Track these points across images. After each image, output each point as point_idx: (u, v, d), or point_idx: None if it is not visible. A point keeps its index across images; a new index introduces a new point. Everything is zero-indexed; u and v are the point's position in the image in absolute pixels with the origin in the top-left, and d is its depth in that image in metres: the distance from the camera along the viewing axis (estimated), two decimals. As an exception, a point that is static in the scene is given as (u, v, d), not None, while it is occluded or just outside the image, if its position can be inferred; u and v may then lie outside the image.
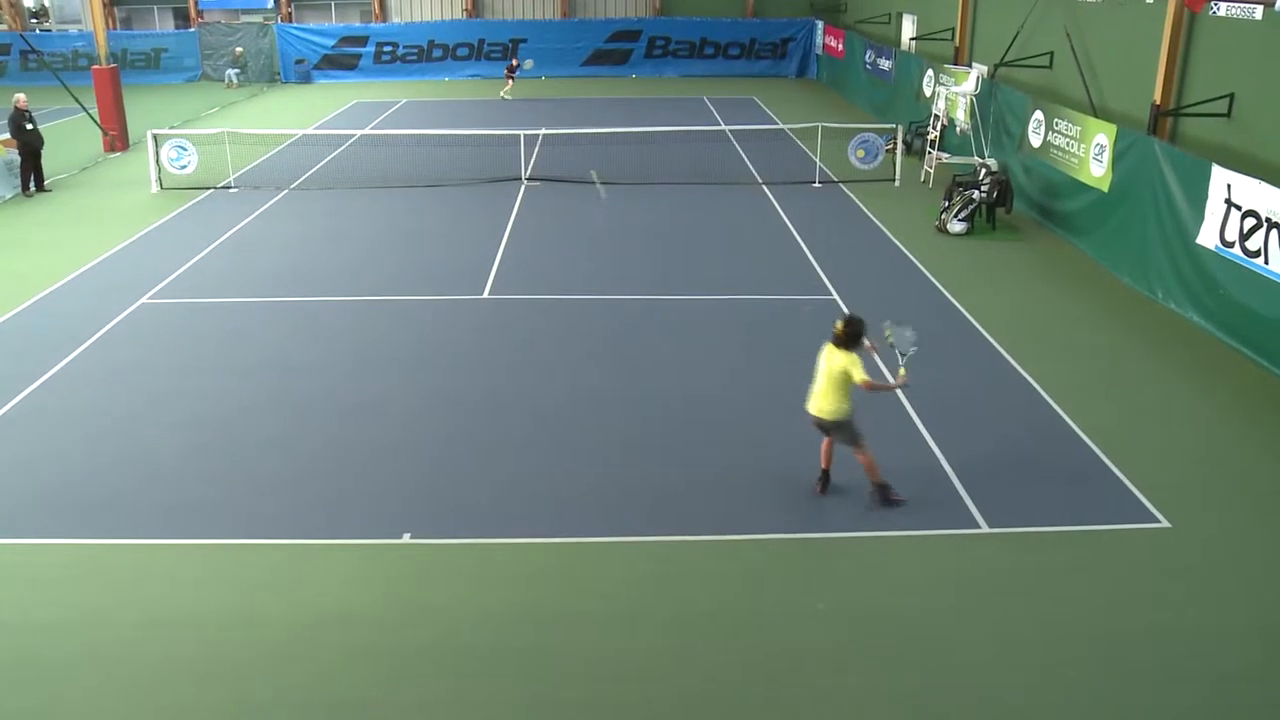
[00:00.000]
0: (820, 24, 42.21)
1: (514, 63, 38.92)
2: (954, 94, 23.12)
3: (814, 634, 8.23)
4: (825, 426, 9.90)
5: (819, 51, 42.30)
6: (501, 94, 38.12)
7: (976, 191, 19.43)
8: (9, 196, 22.60)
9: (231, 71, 41.71)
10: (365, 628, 8.32)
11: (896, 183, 23.24)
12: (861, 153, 23.87)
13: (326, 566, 9.14)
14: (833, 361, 9.64)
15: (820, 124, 24.97)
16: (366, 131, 28.72)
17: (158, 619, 8.42)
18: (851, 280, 16.56)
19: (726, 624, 8.36)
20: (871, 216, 20.61)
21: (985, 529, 9.63)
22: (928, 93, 26.32)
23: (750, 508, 10.02)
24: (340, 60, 43.66)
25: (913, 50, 31.40)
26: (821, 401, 9.79)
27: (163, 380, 12.91)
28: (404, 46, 43.94)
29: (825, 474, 10.28)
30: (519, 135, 24.60)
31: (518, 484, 10.49)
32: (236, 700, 7.54)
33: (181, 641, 8.15)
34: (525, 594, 8.76)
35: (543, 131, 26.26)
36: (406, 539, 9.51)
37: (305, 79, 43.20)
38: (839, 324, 9.64)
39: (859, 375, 9.50)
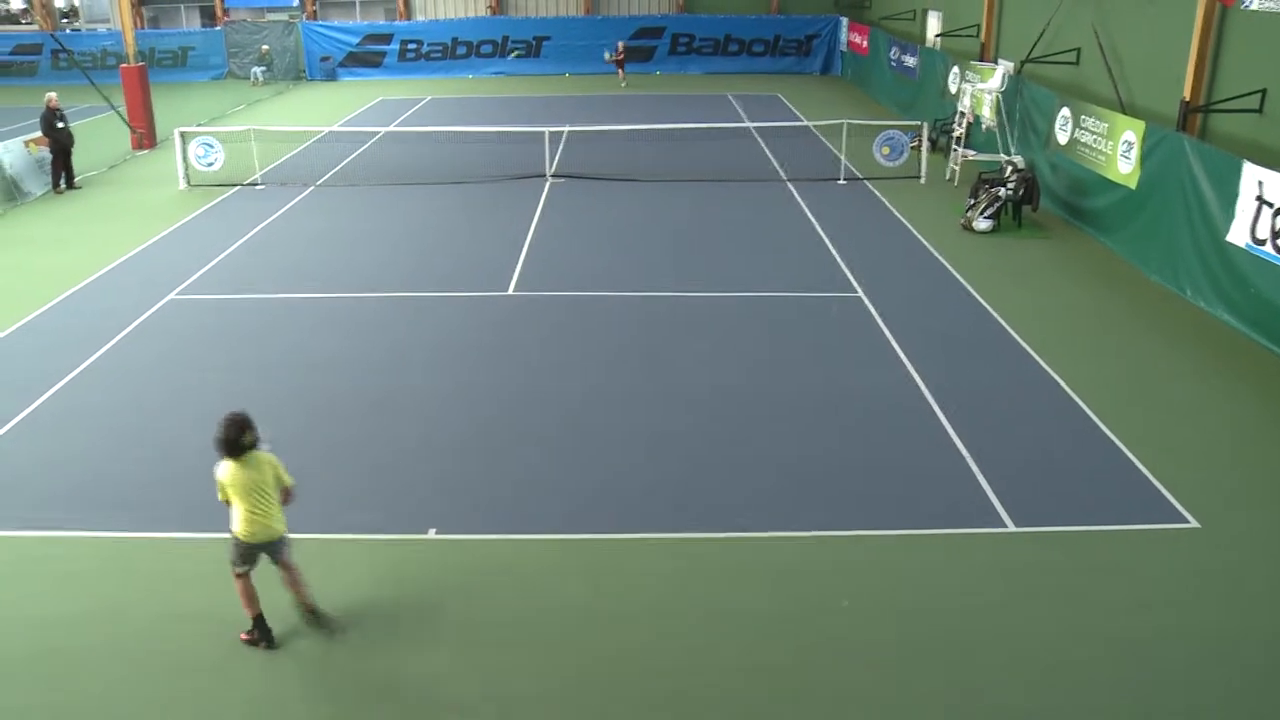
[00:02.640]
0: (845, 21, 42.06)
1: (620, 47, 40.91)
2: (980, 91, 22.99)
3: (839, 631, 8.21)
4: (276, 548, 8.08)
5: (843, 48, 42.16)
6: (622, 85, 40.03)
7: (1002, 189, 19.31)
8: (40, 194, 22.79)
9: (257, 69, 41.91)
10: (389, 623, 8.36)
11: (922, 180, 23.13)
12: (887, 150, 23.77)
13: (351, 561, 9.18)
14: (265, 470, 7.92)
15: (845, 121, 24.89)
16: (391, 129, 28.82)
17: (181, 613, 8.48)
18: (877, 278, 16.49)
19: (751, 621, 8.35)
20: (897, 214, 20.52)
21: (1012, 528, 9.57)
22: (953, 90, 26.19)
23: (774, 504, 10.00)
24: (365, 58, 43.83)
25: (938, 47, 31.25)
26: (276, 516, 8.01)
27: (189, 376, 12.98)
28: (428, 44, 44.07)
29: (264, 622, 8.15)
30: (544, 132, 24.61)
31: (543, 480, 10.50)
32: (258, 694, 7.60)
33: (203, 635, 8.20)
34: (549, 590, 8.77)
35: (567, 129, 26.27)
36: (432, 534, 9.54)
37: (330, 76, 43.38)
38: (231, 433, 7.74)
39: (287, 477, 8.14)
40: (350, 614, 8.44)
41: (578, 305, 15.38)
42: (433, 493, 10.28)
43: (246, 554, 7.95)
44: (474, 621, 8.36)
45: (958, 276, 16.61)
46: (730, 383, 12.69)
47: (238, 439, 7.73)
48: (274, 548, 8.04)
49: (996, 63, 25.52)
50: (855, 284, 16.25)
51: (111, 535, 9.51)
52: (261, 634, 8.09)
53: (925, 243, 18.54)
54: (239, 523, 7.86)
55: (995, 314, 14.92)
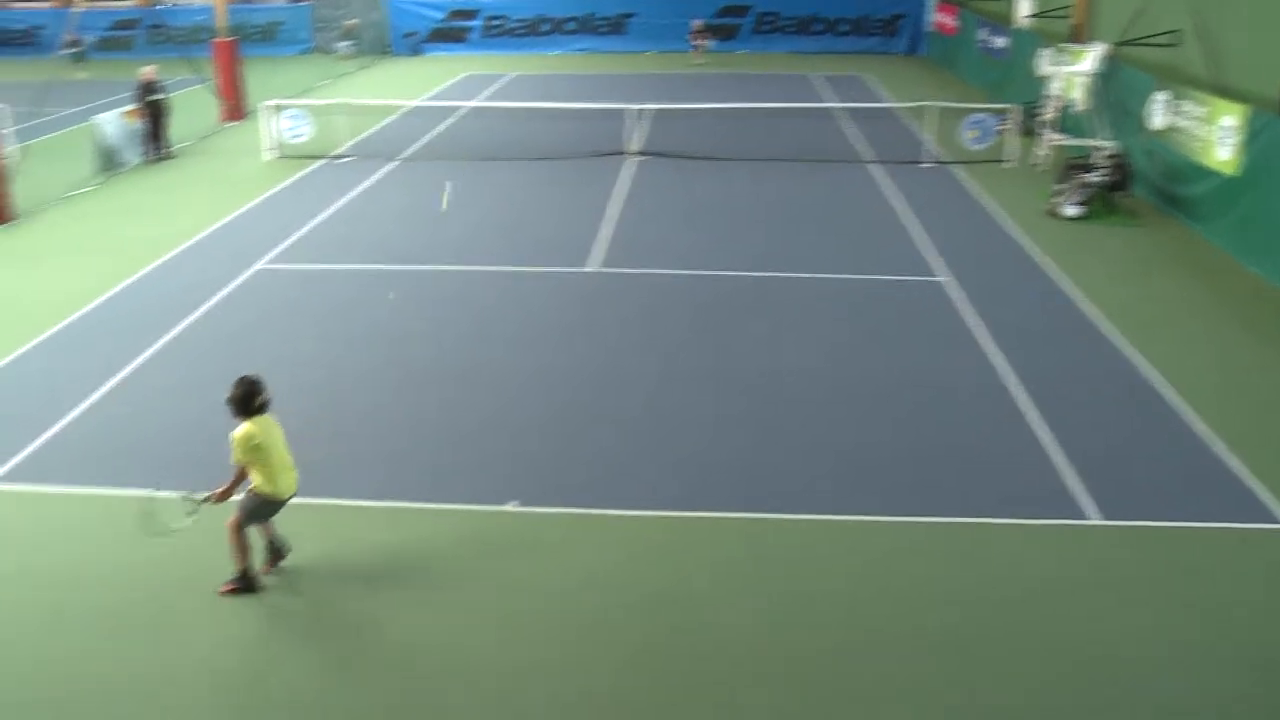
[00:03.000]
0: (932, 0, 41.39)
1: (697, 25, 39.99)
2: (1072, 73, 22.50)
3: (902, 618, 8.14)
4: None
5: (930, 28, 41.50)
6: (695, 62, 39.27)
7: (1093, 175, 18.90)
8: (135, 163, 23.33)
9: (343, 44, 42.36)
10: (467, 592, 8.47)
11: (1009, 164, 22.72)
12: (974, 133, 23.35)
13: (432, 531, 9.31)
14: (278, 427, 8.39)
15: (931, 103, 24.51)
16: (475, 104, 28.98)
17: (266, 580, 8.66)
18: (958, 263, 16.25)
19: (816, 606, 8.31)
20: (981, 198, 20.20)
21: (1095, 521, 9.39)
22: (1044, 72, 25.65)
23: (848, 489, 9.96)
24: (450, 33, 44.10)
25: (1029, 28, 30.63)
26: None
27: (276, 344, 13.23)
28: (513, 20, 44.20)
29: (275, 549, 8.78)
30: (626, 110, 24.59)
31: (621, 456, 10.57)
32: (334, 658, 7.76)
33: (284, 601, 8.41)
34: (624, 566, 8.83)
35: (650, 106, 26.22)
36: (512, 507, 9.63)
37: (415, 51, 43.73)
38: (255, 390, 8.16)
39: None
40: (426, 582, 8.59)
41: (657, 284, 15.39)
42: (514, 465, 10.38)
43: (271, 511, 8.34)
44: (547, 595, 8.44)
45: (1043, 263, 16.31)
46: (808, 365, 12.63)
47: (258, 397, 8.10)
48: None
49: (1090, 44, 24.93)
50: (935, 268, 16.04)
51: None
52: (250, 582, 8.43)
53: (1010, 228, 18.22)
54: (269, 481, 8.16)
55: (1080, 302, 14.63)
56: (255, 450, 8.05)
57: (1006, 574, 8.68)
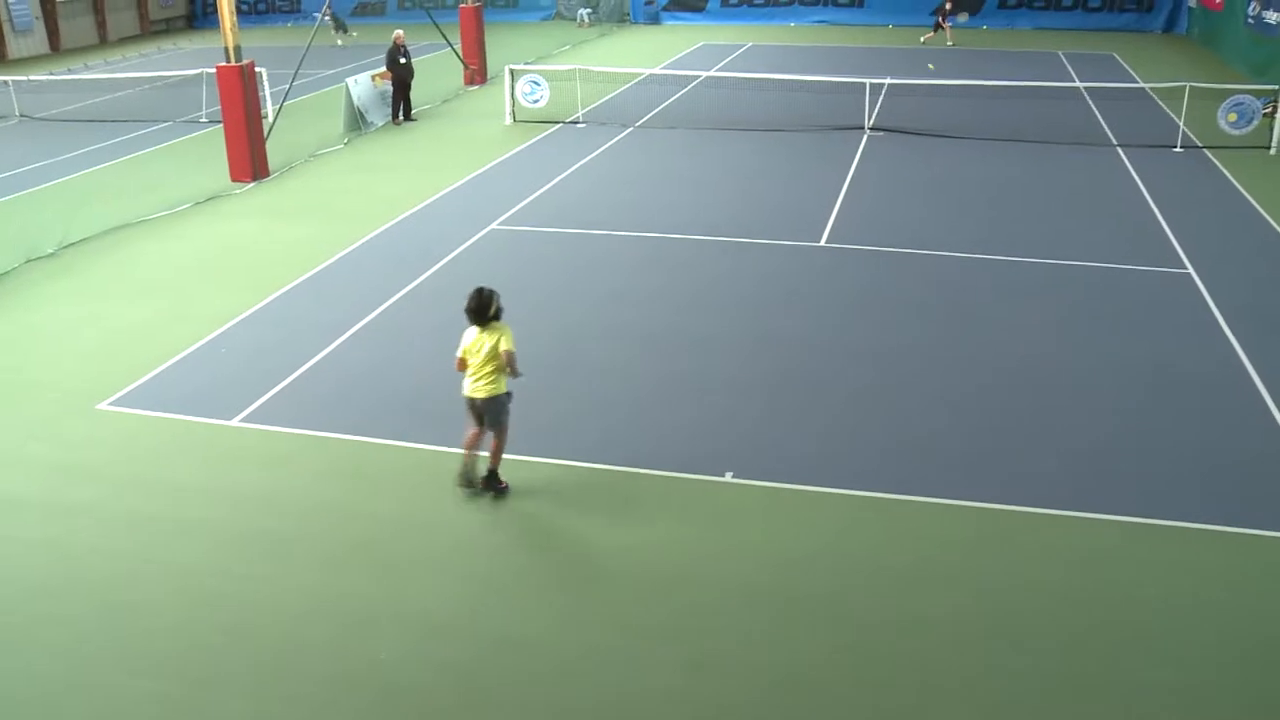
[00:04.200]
0: (1197, -27, 38.75)
1: (947, 7, 37.53)
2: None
3: (1124, 618, 7.66)
4: (479, 410, 9.07)
5: (1191, 4, 38.84)
6: (921, 40, 37.38)
7: (1378, 164, 17.29)
8: (380, 125, 24.37)
9: (584, 11, 43.06)
10: (676, 558, 8.44)
11: (1272, 150, 21.04)
12: (1233, 116, 21.66)
13: (646, 496, 9.30)
14: (486, 340, 9.00)
15: (1187, 83, 22.85)
16: (711, 74, 28.92)
17: (485, 525, 8.86)
18: (1210, 254, 15.08)
19: (1039, 599, 7.89)
20: (1238, 186, 18.72)
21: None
22: (1326, 51, 23.64)
23: (1077, 483, 9.38)
24: (688, 2, 44.19)
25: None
26: (471, 380, 9.06)
27: (507, 303, 13.47)
28: (751, -10, 43.91)
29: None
30: (864, 84, 24.02)
31: (841, 433, 10.31)
32: (539, 613, 7.83)
33: (506, 555, 8.57)
34: (835, 545, 8.61)
35: (888, 81, 25.56)
36: (728, 478, 9.54)
37: (654, 20, 44.04)
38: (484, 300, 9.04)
39: (506, 345, 8.97)
40: (636, 546, 8.58)
41: (888, 261, 14.96)
42: (733, 436, 10.28)
43: (467, 406, 9.08)
44: (757, 568, 8.31)
45: (1312, 259, 15.03)
46: (1039, 351, 12.03)
47: (488, 306, 9.00)
48: (479, 409, 9.02)
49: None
50: (1184, 259, 14.98)
51: (421, 446, 10.06)
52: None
53: (1270, 219, 16.86)
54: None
55: (1358, 303, 13.40)
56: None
57: (1251, 585, 8.04)
